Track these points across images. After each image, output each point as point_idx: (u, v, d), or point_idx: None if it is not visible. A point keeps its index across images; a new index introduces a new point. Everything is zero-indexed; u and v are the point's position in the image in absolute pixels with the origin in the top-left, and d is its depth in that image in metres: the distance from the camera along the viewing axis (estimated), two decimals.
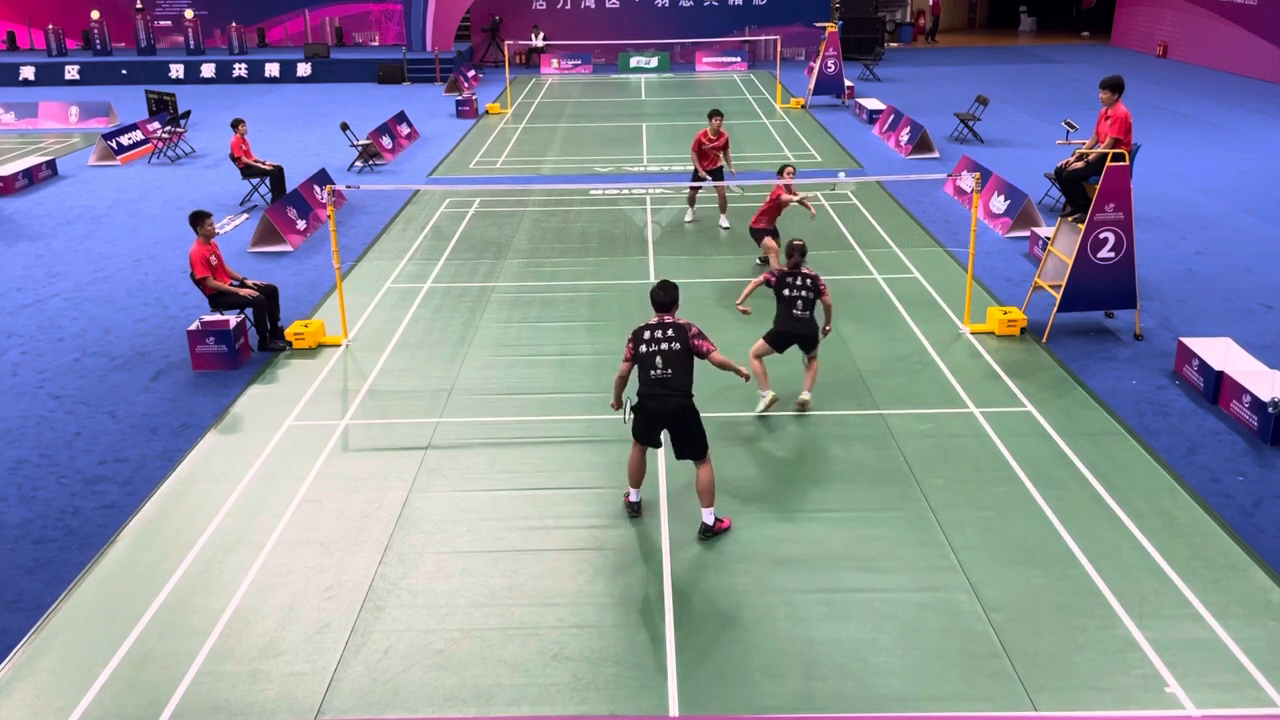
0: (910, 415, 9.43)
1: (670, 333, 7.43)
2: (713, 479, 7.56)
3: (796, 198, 13.10)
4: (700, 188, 15.68)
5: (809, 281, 9.33)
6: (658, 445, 7.71)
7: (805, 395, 9.48)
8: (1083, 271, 10.78)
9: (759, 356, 9.46)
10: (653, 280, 13.01)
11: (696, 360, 7.53)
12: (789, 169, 13.35)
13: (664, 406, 7.37)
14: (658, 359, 7.38)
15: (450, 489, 8.35)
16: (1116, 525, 7.65)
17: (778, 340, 9.45)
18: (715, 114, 14.96)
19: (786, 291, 9.32)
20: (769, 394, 9.37)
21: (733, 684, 6.15)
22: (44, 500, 8.31)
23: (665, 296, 7.56)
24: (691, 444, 7.50)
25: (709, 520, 7.57)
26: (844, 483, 8.31)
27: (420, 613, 6.85)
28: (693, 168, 15.35)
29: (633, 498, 7.91)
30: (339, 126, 20.81)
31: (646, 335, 7.47)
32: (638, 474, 7.82)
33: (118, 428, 9.50)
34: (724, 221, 15.30)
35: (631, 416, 7.58)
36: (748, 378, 7.85)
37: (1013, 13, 45.15)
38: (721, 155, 15.04)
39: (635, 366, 7.53)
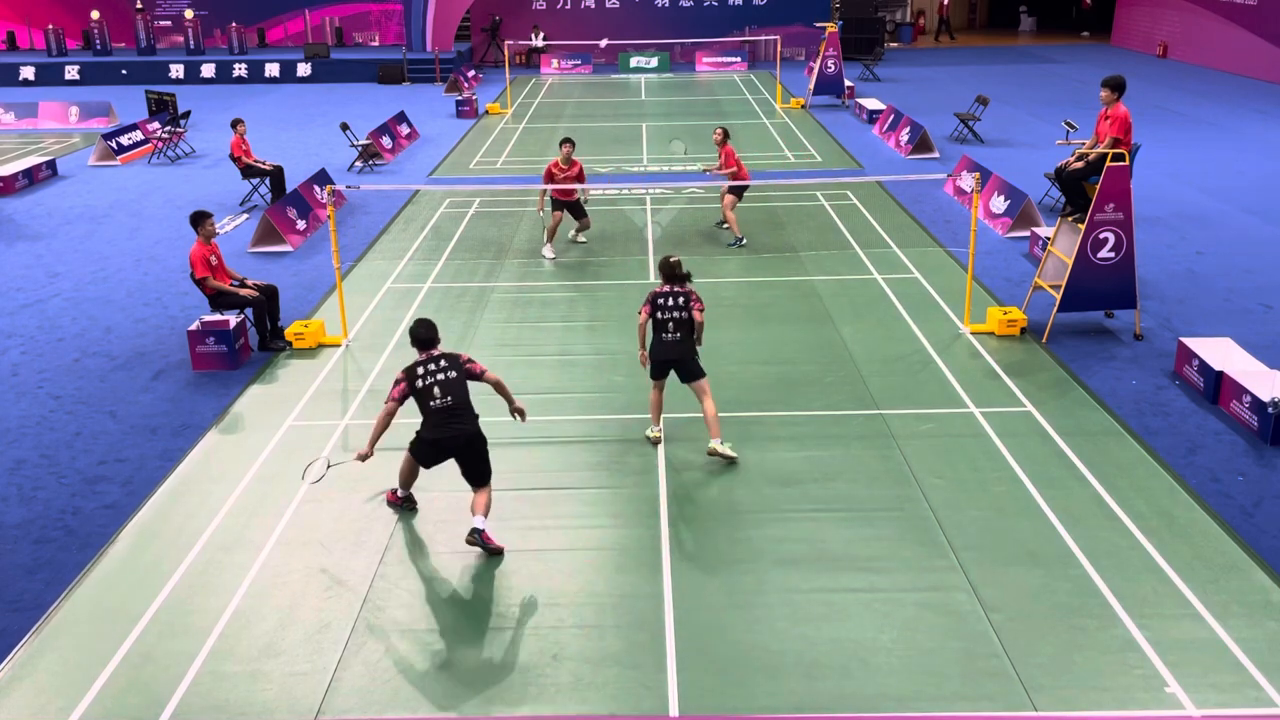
0: (910, 415, 9.42)
1: (444, 363, 7.60)
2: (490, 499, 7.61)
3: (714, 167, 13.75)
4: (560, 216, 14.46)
5: (681, 300, 8.57)
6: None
7: (713, 444, 8.54)
8: (1083, 271, 10.78)
9: (657, 389, 8.85)
10: (653, 280, 13.03)
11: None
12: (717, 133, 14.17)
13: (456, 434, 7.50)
14: (437, 389, 7.54)
15: (450, 489, 8.35)
16: (1116, 525, 7.65)
17: (653, 369, 8.75)
18: (566, 141, 13.99)
19: (658, 314, 8.58)
20: (656, 430, 8.95)
21: (733, 684, 6.15)
22: (44, 500, 8.31)
23: (426, 333, 7.71)
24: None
25: (480, 525, 7.44)
26: (844, 483, 8.31)
27: (420, 613, 6.84)
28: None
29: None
30: (339, 126, 20.81)
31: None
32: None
33: (118, 428, 9.50)
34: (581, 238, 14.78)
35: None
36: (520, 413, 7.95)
37: (1013, 13, 45.13)
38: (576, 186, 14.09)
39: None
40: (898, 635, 6.52)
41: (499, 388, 7.81)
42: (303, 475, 8.24)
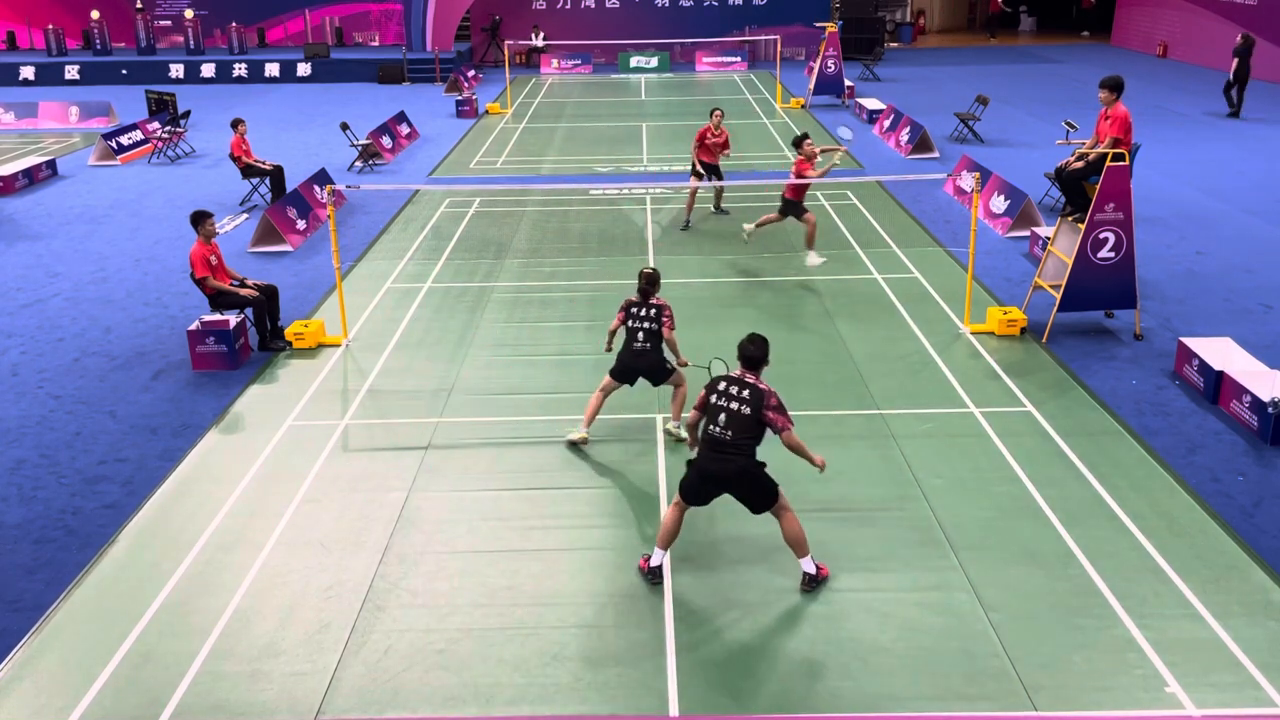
0: (910, 415, 9.42)
1: (747, 394, 6.79)
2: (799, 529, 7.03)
3: (817, 173, 13.09)
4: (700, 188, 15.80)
5: (653, 312, 8.75)
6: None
7: (670, 425, 8.98)
8: (1083, 271, 10.77)
9: (604, 391, 8.96)
10: None
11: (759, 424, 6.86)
12: (808, 140, 13.29)
13: (724, 468, 6.82)
14: (721, 416, 6.79)
15: (450, 489, 8.35)
16: (1116, 525, 7.65)
17: (620, 373, 8.91)
18: (716, 110, 15.55)
19: (630, 323, 8.79)
20: (582, 432, 8.91)
21: (733, 684, 6.15)
22: (44, 500, 8.31)
23: (756, 352, 6.96)
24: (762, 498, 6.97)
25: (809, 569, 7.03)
26: (844, 483, 8.31)
27: (420, 613, 6.85)
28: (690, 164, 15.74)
29: (655, 560, 7.17)
30: (339, 126, 20.81)
31: (721, 386, 6.88)
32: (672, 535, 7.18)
33: (118, 428, 9.50)
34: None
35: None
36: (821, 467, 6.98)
37: (1013, 13, 45.11)
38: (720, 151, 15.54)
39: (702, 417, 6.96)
40: (898, 635, 6.52)
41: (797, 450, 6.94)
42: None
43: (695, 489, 6.99)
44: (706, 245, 14.60)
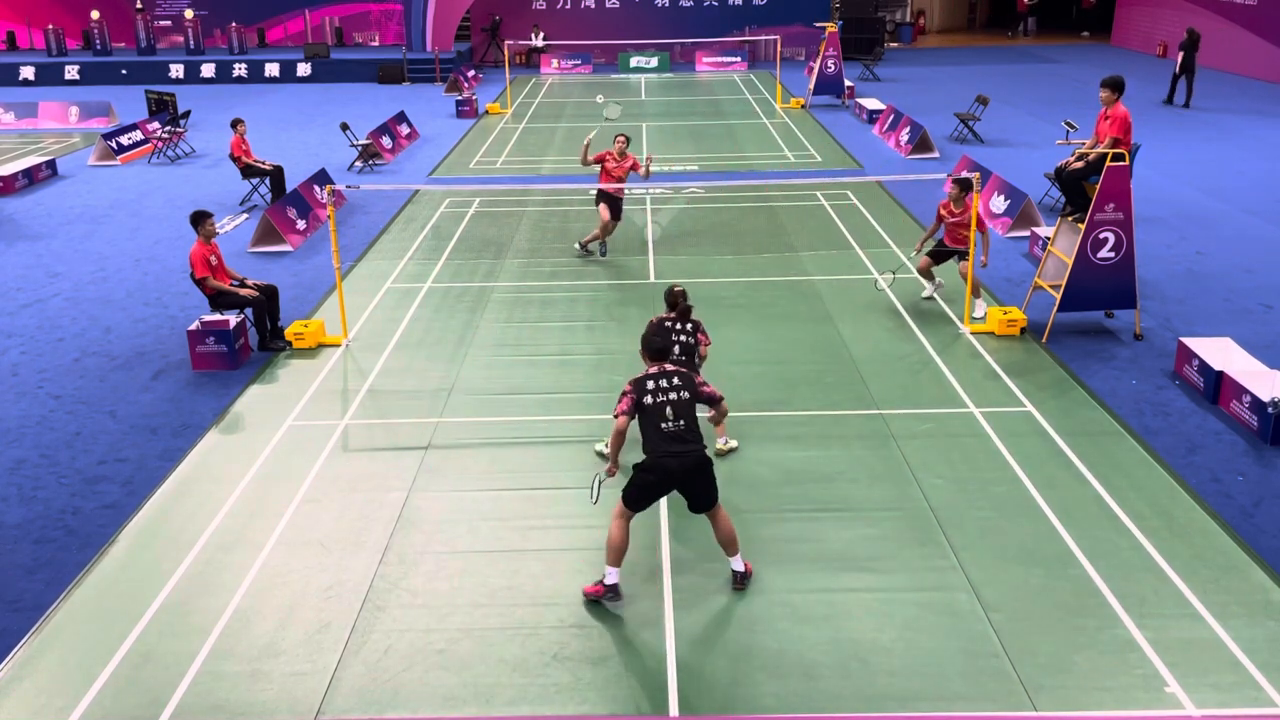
0: (910, 415, 9.42)
1: (676, 381, 6.79)
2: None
3: (958, 215, 11.56)
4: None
5: (689, 326, 8.43)
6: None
7: (719, 444, 8.69)
8: (1083, 271, 10.77)
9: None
10: (653, 280, 13.03)
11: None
12: (972, 176, 11.14)
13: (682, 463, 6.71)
14: (668, 410, 6.72)
15: (450, 489, 8.35)
16: (1116, 525, 7.65)
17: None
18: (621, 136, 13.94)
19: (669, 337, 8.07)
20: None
21: (733, 684, 6.15)
22: (44, 500, 8.31)
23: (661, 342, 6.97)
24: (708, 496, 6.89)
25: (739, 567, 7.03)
26: (844, 483, 8.31)
27: (420, 613, 6.84)
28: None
29: (611, 579, 6.86)
30: (339, 126, 20.81)
31: (650, 385, 6.77)
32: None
33: (118, 428, 9.50)
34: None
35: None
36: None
37: (1013, 13, 45.12)
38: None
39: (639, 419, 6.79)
40: (898, 635, 6.52)
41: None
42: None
43: (653, 493, 6.83)
44: (706, 245, 14.60)
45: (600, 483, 7.02)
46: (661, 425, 6.67)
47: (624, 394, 6.77)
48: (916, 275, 12.54)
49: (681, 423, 6.69)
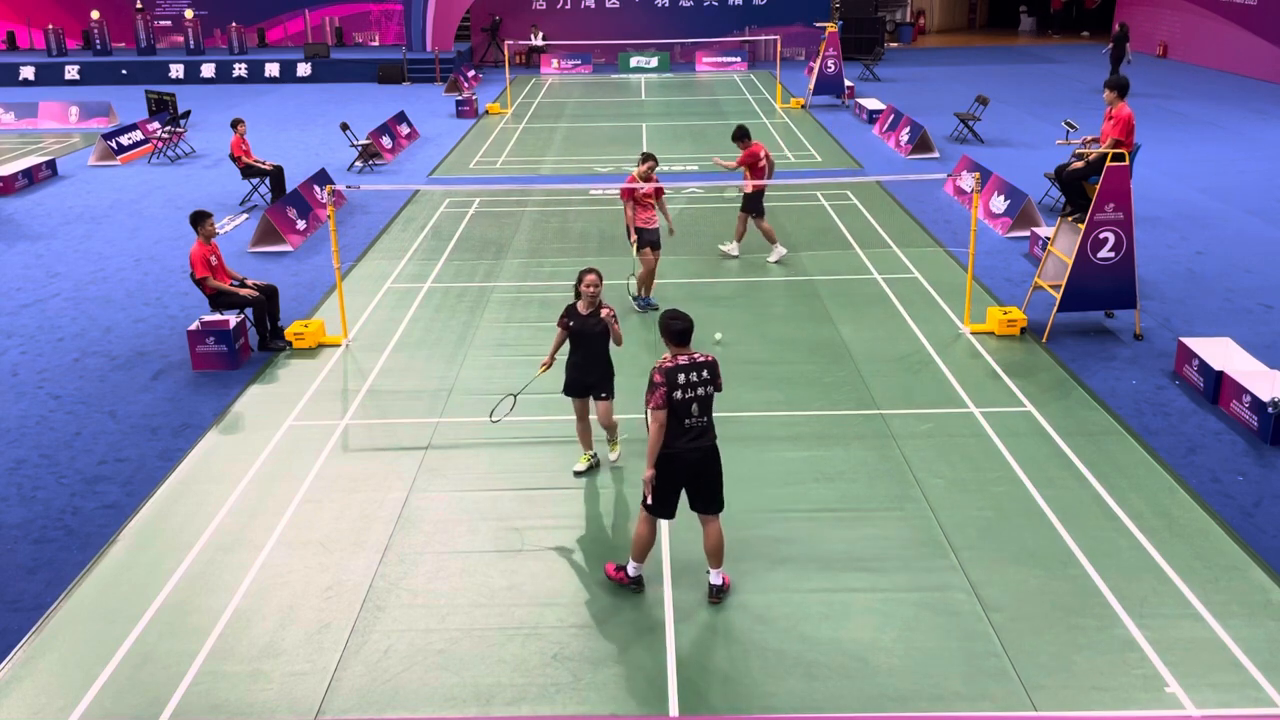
0: (910, 415, 9.42)
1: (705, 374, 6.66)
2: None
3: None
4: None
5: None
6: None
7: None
8: (1083, 271, 10.77)
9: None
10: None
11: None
12: None
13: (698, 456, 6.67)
14: (694, 406, 6.60)
15: (450, 489, 8.35)
16: (1116, 525, 7.65)
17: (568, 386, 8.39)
18: (648, 158, 12.04)
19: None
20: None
21: (733, 684, 6.15)
22: (44, 500, 8.31)
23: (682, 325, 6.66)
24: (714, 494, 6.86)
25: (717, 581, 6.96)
26: (844, 483, 8.31)
27: (420, 613, 6.84)
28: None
29: (634, 572, 7.03)
30: (339, 126, 20.81)
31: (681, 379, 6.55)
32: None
33: (118, 428, 9.50)
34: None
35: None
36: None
37: (1013, 13, 45.14)
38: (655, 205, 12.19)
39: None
40: (898, 635, 6.52)
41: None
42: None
43: (672, 489, 6.72)
44: (706, 245, 14.59)
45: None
46: (685, 421, 6.59)
47: (656, 385, 6.51)
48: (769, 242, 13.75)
49: (705, 419, 6.68)
